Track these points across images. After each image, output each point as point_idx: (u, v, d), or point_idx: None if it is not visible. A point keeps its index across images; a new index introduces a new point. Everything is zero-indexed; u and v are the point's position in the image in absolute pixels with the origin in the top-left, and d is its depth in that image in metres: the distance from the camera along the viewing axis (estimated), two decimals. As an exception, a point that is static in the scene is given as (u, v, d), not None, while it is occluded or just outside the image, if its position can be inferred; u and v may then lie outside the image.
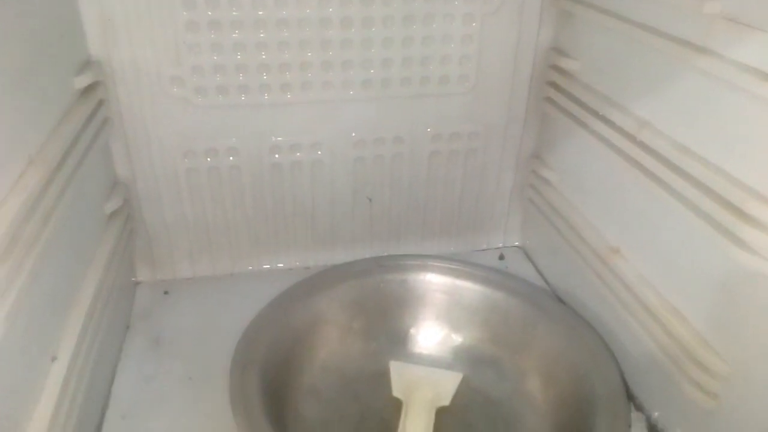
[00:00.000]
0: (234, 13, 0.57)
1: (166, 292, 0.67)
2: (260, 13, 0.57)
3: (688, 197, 0.44)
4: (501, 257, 0.75)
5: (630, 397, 0.54)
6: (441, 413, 0.51)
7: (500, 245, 0.77)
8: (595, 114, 0.57)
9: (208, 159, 0.63)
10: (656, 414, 0.52)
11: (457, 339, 0.58)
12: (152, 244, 0.67)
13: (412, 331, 0.58)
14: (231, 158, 0.64)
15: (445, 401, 0.52)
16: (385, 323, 0.58)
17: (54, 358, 0.41)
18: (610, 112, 0.54)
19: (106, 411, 0.52)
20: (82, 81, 0.51)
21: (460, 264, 0.60)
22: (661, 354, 0.49)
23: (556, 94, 0.64)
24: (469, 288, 0.58)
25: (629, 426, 0.44)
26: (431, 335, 0.58)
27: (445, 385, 0.53)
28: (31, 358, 0.39)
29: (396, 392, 0.53)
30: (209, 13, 0.56)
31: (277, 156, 0.65)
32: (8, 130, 0.39)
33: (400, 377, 0.54)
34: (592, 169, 0.60)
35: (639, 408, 0.53)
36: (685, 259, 0.47)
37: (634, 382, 0.55)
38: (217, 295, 0.66)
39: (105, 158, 0.60)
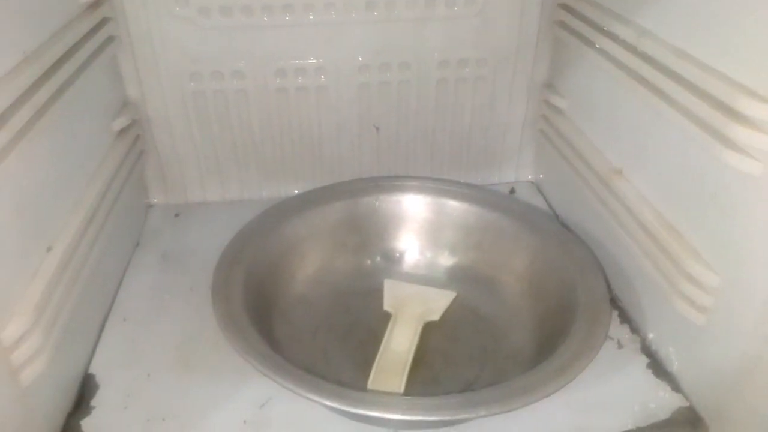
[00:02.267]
0: (234, -71, 0.57)
1: (177, 215, 0.69)
2: (260, -72, 0.57)
3: (684, 103, 0.43)
4: (512, 191, 0.74)
5: (626, 320, 0.54)
6: (430, 328, 0.51)
7: (512, 179, 0.76)
8: (600, 30, 0.55)
9: (214, 82, 0.64)
10: (651, 335, 0.51)
11: (452, 259, 0.57)
12: (164, 167, 0.69)
13: (407, 250, 0.58)
14: (236, 82, 0.64)
15: (435, 316, 0.52)
16: (380, 242, 0.58)
17: (49, 249, 0.43)
18: (613, 26, 0.52)
19: (109, 313, 0.54)
20: (87, -6, 0.53)
21: (456, 185, 0.59)
22: (655, 272, 0.48)
23: (567, 15, 0.61)
24: (464, 209, 0.57)
25: (606, 333, 0.43)
26: (426, 255, 0.58)
27: (437, 302, 0.54)
28: (25, 242, 0.41)
29: (387, 306, 0.53)
30: (210, -71, 0.56)
31: (281, 80, 0.65)
32: (2, 27, 0.40)
33: (393, 292, 0.54)
34: (599, 91, 0.58)
35: (635, 331, 0.53)
36: (681, 170, 0.45)
37: (630, 305, 0.54)
38: (225, 218, 0.67)
39: (115, 76, 0.62)
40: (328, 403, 0.38)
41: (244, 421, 0.44)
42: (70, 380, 0.46)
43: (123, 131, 0.61)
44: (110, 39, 0.58)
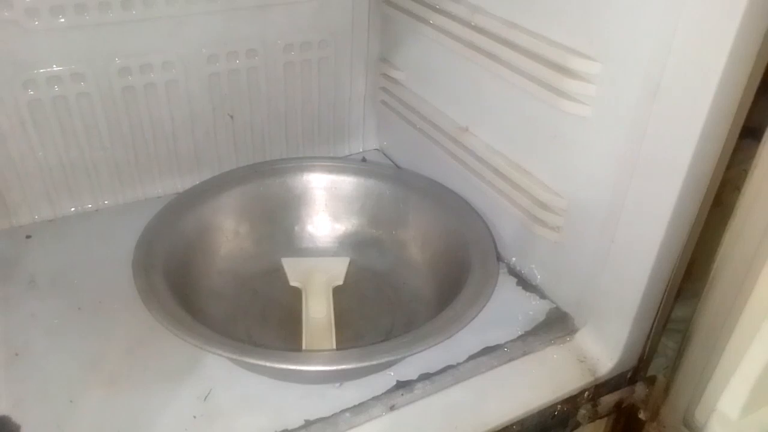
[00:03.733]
0: None
1: (28, 236, 0.63)
2: None
3: (520, 66, 0.52)
4: (363, 159, 0.80)
5: (490, 251, 0.64)
6: (337, 291, 0.56)
7: (360, 150, 0.82)
8: (432, 8, 0.62)
9: (54, 87, 0.60)
10: (513, 259, 0.62)
11: (340, 228, 0.62)
12: (2, 188, 0.62)
13: (297, 228, 0.62)
14: (77, 85, 0.61)
15: (339, 281, 0.57)
16: (270, 224, 0.61)
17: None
18: (445, 4, 0.60)
19: (-3, 353, 0.49)
20: None
21: (331, 160, 0.64)
22: (512, 206, 0.58)
23: (395, -5, 0.68)
24: (343, 180, 0.62)
25: (498, 266, 0.52)
26: (316, 229, 0.62)
27: (336, 269, 0.58)
28: None
29: (293, 282, 0.56)
30: None
31: (128, 78, 0.63)
32: None
33: (294, 269, 0.58)
34: (436, 61, 0.66)
35: (500, 258, 0.63)
36: (523, 120, 0.56)
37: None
38: (83, 231, 0.64)
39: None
40: (286, 366, 0.41)
41: (194, 417, 0.45)
42: (-11, 427, 0.43)
43: (-44, 154, 0.54)
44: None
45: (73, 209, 0.67)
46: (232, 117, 0.71)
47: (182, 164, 0.71)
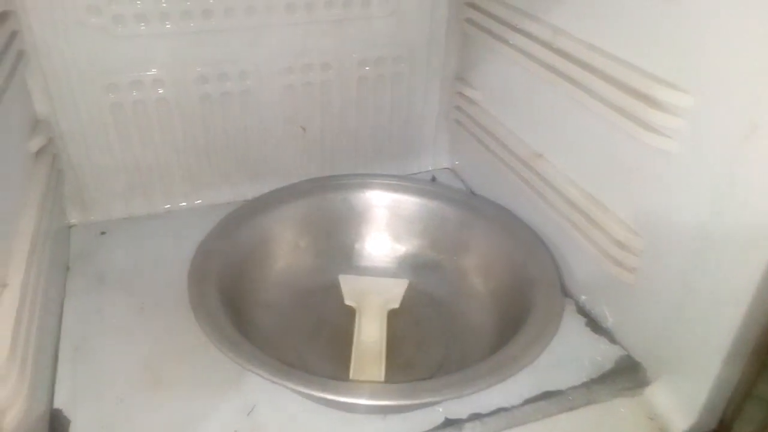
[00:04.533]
0: (150, -66, 0.55)
1: (102, 233, 0.65)
2: (178, -66, 0.56)
3: (601, 92, 0.49)
4: (433, 179, 0.78)
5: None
6: (392, 315, 0.54)
7: (430, 168, 0.80)
8: (513, 28, 0.60)
9: (133, 92, 0.62)
10: (584, 297, 0.58)
11: (401, 249, 0.61)
12: (81, 184, 0.65)
13: (357, 245, 0.61)
14: (157, 91, 0.62)
15: (395, 304, 0.55)
16: (330, 240, 0.60)
17: (4, 285, 0.41)
18: (526, 24, 0.58)
19: (59, 345, 0.51)
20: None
21: (396, 179, 0.62)
22: (585, 241, 0.54)
23: (475, 13, 0.66)
24: (407, 200, 0.61)
25: (563, 305, 0.49)
26: (375, 248, 0.61)
27: (393, 291, 0.57)
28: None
29: (348, 301, 0.55)
30: (123, -66, 0.54)
31: (205, 86, 0.64)
32: None
33: (351, 287, 0.57)
34: (514, 82, 0.63)
35: (568, 295, 0.59)
36: (602, 150, 0.52)
37: (563, 273, 0.60)
38: (154, 232, 0.65)
39: (23, 94, 0.57)
40: (329, 396, 0.40)
41: (235, 431, 0.45)
42: (42, 419, 0.44)
43: (41, 151, 0.57)
44: (20, 54, 0.54)
45: (146, 209, 0.69)
46: (304, 129, 0.71)
47: (252, 173, 0.71)
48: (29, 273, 0.44)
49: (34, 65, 0.57)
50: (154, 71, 0.61)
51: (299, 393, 0.40)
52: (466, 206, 0.60)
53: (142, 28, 0.59)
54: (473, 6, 0.67)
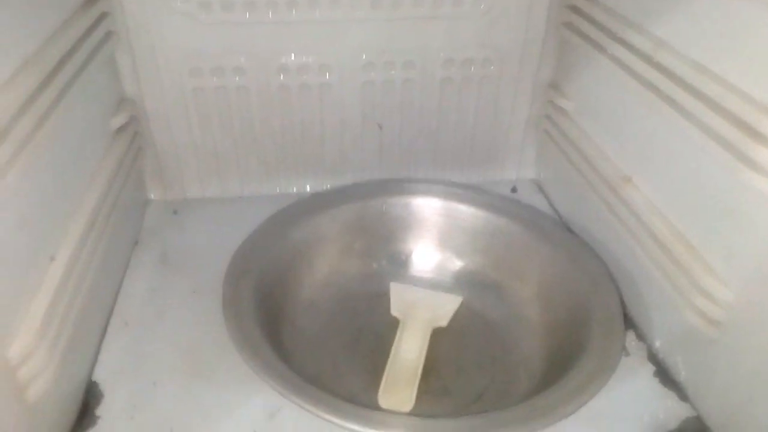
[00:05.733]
0: None
1: (175, 212, 0.67)
2: None
3: (702, 118, 0.42)
4: (513, 190, 0.73)
5: (632, 326, 0.54)
6: (438, 334, 0.51)
7: (514, 178, 0.75)
8: (613, 36, 0.54)
9: (215, 78, 0.63)
10: (658, 343, 0.51)
11: (459, 263, 0.57)
12: (162, 163, 0.67)
13: (414, 254, 0.58)
14: (237, 78, 0.63)
15: (443, 322, 0.52)
16: (387, 245, 0.58)
17: (52, 258, 0.42)
18: (628, 34, 0.52)
19: (111, 318, 0.53)
20: (85, -9, 0.51)
21: (463, 188, 0.59)
22: (666, 282, 0.48)
23: (576, 17, 0.61)
24: (472, 213, 0.57)
25: (623, 348, 0.43)
26: (433, 259, 0.58)
27: (444, 307, 0.53)
28: (29, 254, 0.39)
29: (394, 311, 0.53)
30: None
31: (284, 77, 0.63)
32: (2, 29, 0.38)
33: (400, 297, 0.54)
34: (609, 97, 0.57)
35: (640, 338, 0.53)
36: (696, 184, 0.45)
37: (637, 312, 0.54)
38: (224, 216, 0.66)
39: (112, 73, 0.60)
40: (342, 423, 0.37)
41: (254, 431, 0.44)
42: (75, 389, 0.45)
43: (121, 128, 0.59)
44: (109, 34, 0.56)
45: (220, 193, 0.70)
46: (381, 127, 0.69)
47: (326, 167, 0.70)
48: (81, 248, 0.46)
49: (124, 45, 0.59)
50: (236, 59, 0.62)
51: (302, 407, 0.38)
52: (535, 227, 0.55)
53: (227, 15, 0.59)
54: (574, 9, 0.61)
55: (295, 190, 0.71)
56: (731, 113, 0.40)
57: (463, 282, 0.56)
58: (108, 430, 0.44)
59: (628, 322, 0.54)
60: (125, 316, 0.53)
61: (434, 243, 0.58)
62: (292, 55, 0.62)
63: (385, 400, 0.44)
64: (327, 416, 0.38)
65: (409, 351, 0.48)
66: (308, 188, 0.70)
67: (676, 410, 0.46)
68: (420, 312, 0.52)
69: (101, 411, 0.45)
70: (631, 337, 0.53)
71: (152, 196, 0.69)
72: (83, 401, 0.46)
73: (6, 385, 0.35)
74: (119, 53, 0.60)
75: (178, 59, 0.61)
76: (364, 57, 0.64)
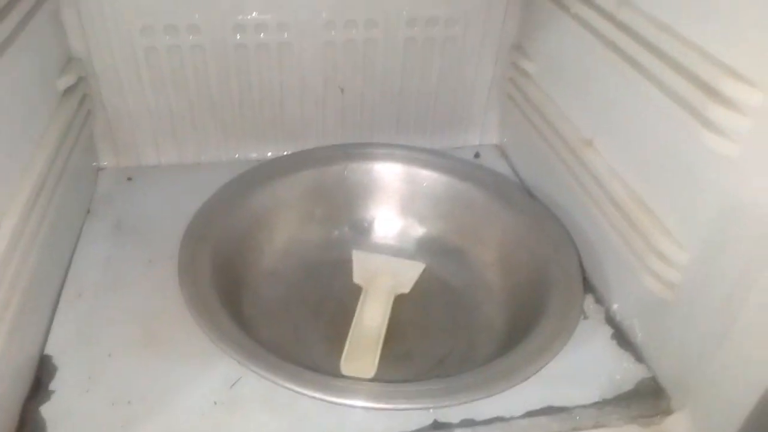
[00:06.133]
0: None
1: (129, 179, 0.65)
2: None
3: (662, 78, 0.42)
4: (476, 155, 0.73)
5: (591, 290, 0.54)
6: (400, 300, 0.51)
7: (477, 143, 0.75)
8: (577, -5, 0.53)
9: (168, 37, 0.60)
10: (615, 306, 0.52)
11: (421, 229, 0.57)
12: (113, 128, 0.65)
13: (376, 221, 0.57)
14: (192, 37, 0.60)
15: (405, 289, 0.52)
16: (348, 212, 0.57)
17: (-4, 224, 0.40)
18: (592, -9, 0.51)
19: (63, 288, 0.51)
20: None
21: (427, 153, 0.58)
22: (623, 246, 0.49)
23: (540, -24, 0.60)
24: (435, 178, 0.56)
25: (581, 311, 0.43)
26: (395, 225, 0.57)
27: (407, 274, 0.53)
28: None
29: (357, 279, 0.52)
30: None
31: (241, 36, 0.61)
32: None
33: (362, 265, 0.53)
34: (572, 57, 0.57)
35: (598, 301, 0.53)
36: (655, 146, 0.45)
37: (596, 276, 0.55)
38: (181, 183, 0.64)
39: (57, 29, 0.56)
40: (302, 391, 0.37)
41: (215, 402, 0.43)
42: (26, 363, 0.44)
43: (69, 90, 0.57)
44: (50, -12, 0.53)
45: (176, 159, 0.68)
46: (342, 90, 0.67)
47: (286, 131, 0.69)
48: (28, 216, 0.44)
49: (69, 1, 0.56)
50: (190, 16, 0.59)
51: (262, 376, 0.37)
52: (497, 193, 0.55)
53: (179, -30, 0.56)
54: (538, -32, 0.60)
55: (255, 156, 0.69)
56: (690, 72, 0.40)
57: (426, 248, 0.56)
58: (63, 404, 0.43)
59: (587, 286, 0.55)
60: (78, 287, 0.52)
61: (396, 209, 0.57)
62: (249, 12, 0.60)
63: (347, 367, 0.44)
64: (287, 384, 0.37)
65: (371, 318, 0.48)
66: (269, 155, 0.69)
67: (633, 371, 0.47)
68: (382, 279, 0.52)
69: (55, 385, 0.44)
70: (589, 301, 0.53)
71: (105, 162, 0.67)
72: (36, 376, 0.44)
73: (-53, 361, 0.34)
74: (64, 8, 0.56)
75: (129, 16, 0.58)
76: (324, 15, 0.62)
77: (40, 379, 0.44)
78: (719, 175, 0.39)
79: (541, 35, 0.63)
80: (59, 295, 0.50)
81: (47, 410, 0.42)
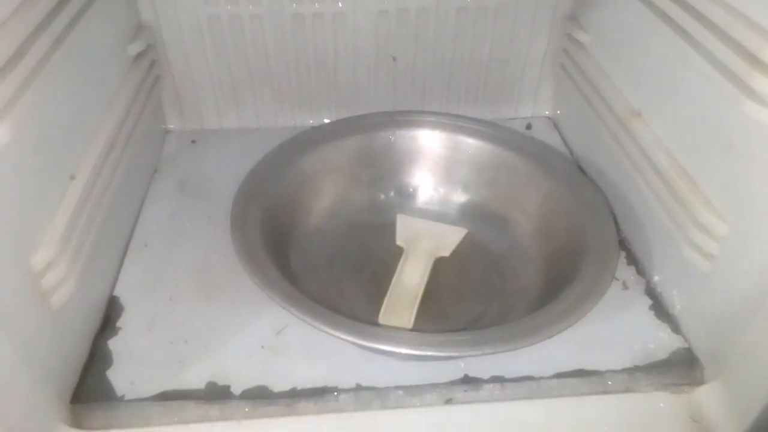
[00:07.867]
0: None
1: (193, 141, 0.69)
2: None
3: (708, 46, 0.42)
4: (528, 127, 0.73)
5: (633, 261, 0.55)
6: (440, 263, 0.53)
7: (529, 115, 0.75)
8: (632, -37, 0.52)
9: (229, 6, 0.63)
10: (656, 278, 0.52)
11: (465, 196, 0.58)
12: (180, 93, 0.69)
13: (421, 186, 0.59)
14: (251, 6, 0.63)
15: (446, 252, 0.54)
16: (394, 177, 0.59)
17: (72, 177, 0.45)
18: (646, -40, 0.50)
19: (131, 239, 0.56)
20: None
21: (471, 121, 0.59)
22: (666, 218, 0.49)
23: (597, -56, 0.59)
24: (479, 146, 0.57)
25: (612, 277, 0.44)
26: (439, 191, 0.59)
27: (448, 238, 0.55)
28: (48, 172, 0.42)
29: (399, 241, 0.54)
30: None
31: (297, 6, 0.63)
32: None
33: (405, 228, 0.55)
34: (623, 28, 0.56)
35: (640, 273, 0.54)
36: (699, 116, 0.45)
37: (639, 248, 0.55)
38: (241, 146, 0.68)
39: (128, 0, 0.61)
40: (341, 336, 0.40)
41: (262, 346, 0.47)
42: (97, 303, 0.49)
43: (139, 56, 0.61)
44: (123, -41, 0.57)
45: (236, 123, 0.72)
46: (394, 59, 0.69)
47: (340, 98, 0.71)
48: (100, 170, 0.48)
49: (139, -29, 0.60)
50: (249, -14, 0.62)
51: (304, 321, 0.40)
52: (540, 162, 0.55)
53: (241, -59, 0.59)
54: (596, -64, 0.59)
55: (311, 122, 0.72)
56: (735, 40, 0.39)
57: (468, 214, 0.57)
58: (128, 340, 0.47)
59: (630, 258, 0.55)
60: (145, 238, 0.56)
61: (440, 175, 0.59)
62: (306, -18, 0.62)
63: (385, 320, 0.47)
64: (329, 330, 0.40)
65: (411, 278, 0.50)
66: (324, 121, 0.71)
67: (668, 341, 0.48)
68: (424, 242, 0.54)
69: (122, 323, 0.49)
70: (631, 272, 0.54)
71: (172, 126, 0.71)
72: (105, 313, 0.49)
73: (30, 291, 0.38)
74: (136, -21, 0.60)
75: (192, -13, 0.61)
76: (378, -16, 0.63)
77: (109, 316, 0.49)
78: (761, 146, 0.39)
79: (595, 5, 0.62)
80: (128, 244, 0.55)
81: (114, 344, 0.47)
